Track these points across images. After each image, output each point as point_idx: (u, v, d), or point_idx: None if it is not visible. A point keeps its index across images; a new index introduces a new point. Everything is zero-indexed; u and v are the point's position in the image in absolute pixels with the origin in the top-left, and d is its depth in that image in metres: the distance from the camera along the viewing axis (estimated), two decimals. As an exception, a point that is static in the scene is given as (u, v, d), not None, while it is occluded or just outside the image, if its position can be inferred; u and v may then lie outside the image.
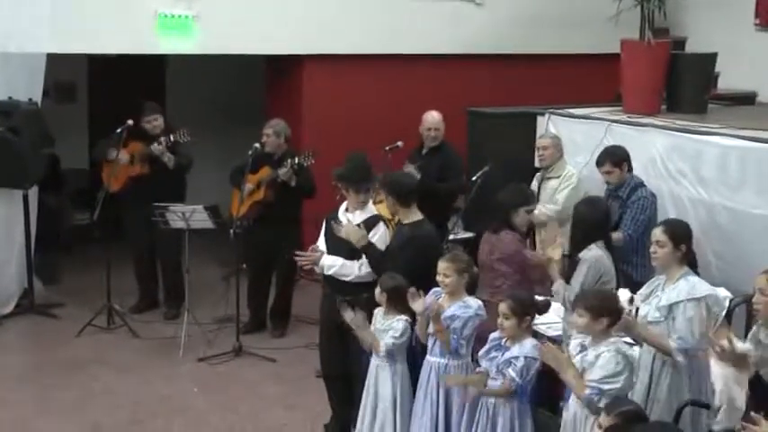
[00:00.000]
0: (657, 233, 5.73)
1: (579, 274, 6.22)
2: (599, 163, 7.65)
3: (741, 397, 4.93)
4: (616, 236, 7.15)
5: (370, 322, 6.17)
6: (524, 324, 5.55)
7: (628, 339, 5.55)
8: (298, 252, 6.90)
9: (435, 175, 8.62)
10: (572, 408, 5.25)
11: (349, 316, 6.11)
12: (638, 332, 5.50)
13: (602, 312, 5.19)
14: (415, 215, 6.49)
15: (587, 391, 5.07)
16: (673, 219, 6.44)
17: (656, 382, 5.61)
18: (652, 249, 5.73)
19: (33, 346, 8.76)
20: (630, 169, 7.61)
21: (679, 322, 5.51)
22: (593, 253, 6.24)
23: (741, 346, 4.82)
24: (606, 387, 5.04)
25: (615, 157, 7.58)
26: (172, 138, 8.87)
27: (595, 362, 5.12)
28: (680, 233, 5.73)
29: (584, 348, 5.25)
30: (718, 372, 5.08)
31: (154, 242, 9.22)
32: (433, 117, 8.89)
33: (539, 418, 5.82)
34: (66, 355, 8.36)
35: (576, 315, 5.26)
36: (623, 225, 7.35)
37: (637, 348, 5.59)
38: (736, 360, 4.80)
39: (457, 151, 8.99)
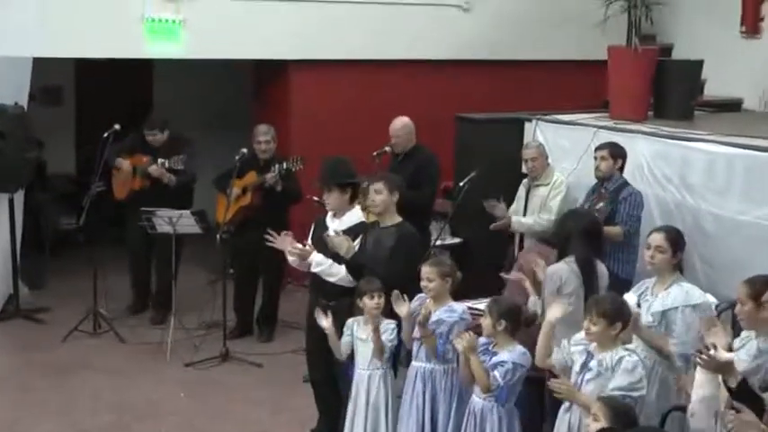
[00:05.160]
0: (658, 239, 5.75)
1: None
2: (599, 147, 7.67)
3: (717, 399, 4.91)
4: (616, 230, 7.18)
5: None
6: (500, 327, 5.49)
7: (629, 345, 5.39)
8: (292, 242, 6.73)
9: (408, 181, 8.29)
10: (576, 411, 5.19)
11: (325, 322, 6.14)
12: (640, 333, 5.46)
13: (617, 318, 5.13)
14: (398, 216, 6.50)
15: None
16: (669, 225, 6.41)
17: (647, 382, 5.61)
18: (650, 254, 5.74)
19: (18, 351, 8.70)
20: (621, 169, 7.63)
21: (679, 327, 5.53)
22: (555, 266, 6.17)
23: (725, 355, 4.80)
24: (636, 394, 4.96)
25: (616, 150, 7.61)
26: (167, 164, 8.85)
27: (617, 366, 5.02)
28: (679, 240, 5.81)
29: (589, 354, 5.17)
30: (701, 378, 5.04)
31: (151, 249, 9.19)
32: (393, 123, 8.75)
33: (526, 425, 5.82)
34: (51, 360, 8.32)
35: (587, 322, 5.15)
36: (620, 220, 7.34)
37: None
38: (720, 368, 4.79)
39: (430, 156, 8.72)
